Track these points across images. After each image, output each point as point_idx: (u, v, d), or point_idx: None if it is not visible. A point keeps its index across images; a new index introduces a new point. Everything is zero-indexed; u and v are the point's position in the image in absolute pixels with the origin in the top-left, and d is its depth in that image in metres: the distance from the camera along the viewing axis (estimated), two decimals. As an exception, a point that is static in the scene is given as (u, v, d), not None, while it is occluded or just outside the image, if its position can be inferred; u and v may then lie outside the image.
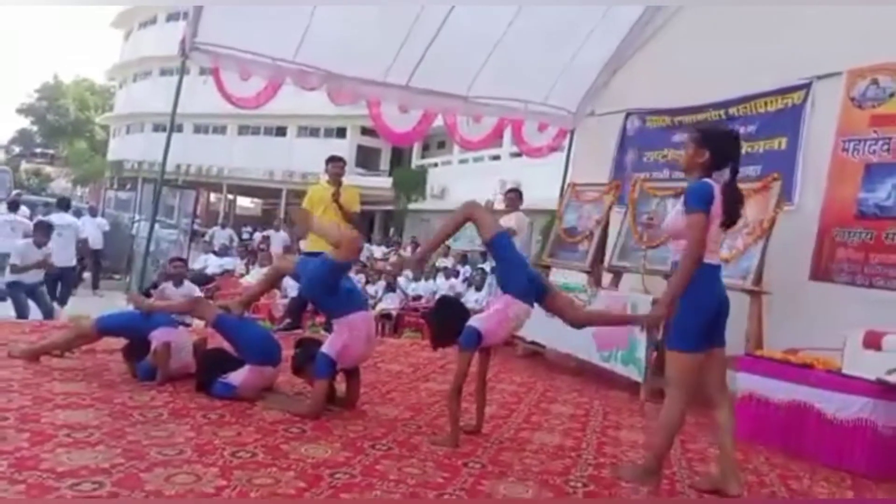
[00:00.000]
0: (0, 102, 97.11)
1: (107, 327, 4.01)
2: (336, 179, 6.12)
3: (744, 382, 3.96)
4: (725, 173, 2.84)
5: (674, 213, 2.93)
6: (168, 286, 6.05)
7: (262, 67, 6.32)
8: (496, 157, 19.46)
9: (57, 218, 8.69)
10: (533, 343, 5.97)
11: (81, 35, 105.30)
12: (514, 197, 6.75)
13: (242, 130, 30.44)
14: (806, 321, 4.55)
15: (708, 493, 2.92)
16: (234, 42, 6.13)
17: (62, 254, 7.86)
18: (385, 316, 8.30)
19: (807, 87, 5.34)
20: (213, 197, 33.36)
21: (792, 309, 4.66)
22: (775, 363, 3.91)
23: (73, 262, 9.01)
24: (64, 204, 9.85)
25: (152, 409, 3.23)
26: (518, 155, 13.20)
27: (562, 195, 7.09)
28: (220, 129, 30.66)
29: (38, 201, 14.77)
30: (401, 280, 9.56)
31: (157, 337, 3.77)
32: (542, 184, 9.40)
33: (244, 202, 37.09)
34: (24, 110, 46.43)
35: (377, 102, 6.94)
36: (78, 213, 11.68)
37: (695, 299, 2.76)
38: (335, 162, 6.21)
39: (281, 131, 29.56)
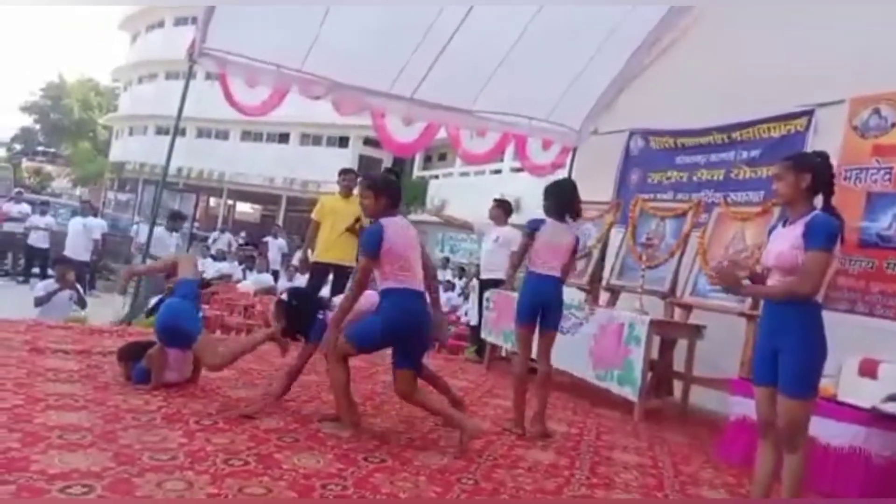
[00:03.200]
0: (4, 99, 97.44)
1: None
2: (347, 192, 6.19)
3: (737, 406, 3.95)
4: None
5: (787, 244, 2.70)
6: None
7: (268, 75, 6.34)
8: (497, 172, 19.50)
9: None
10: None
11: (88, 36, 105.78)
12: (499, 210, 6.68)
13: (245, 136, 30.53)
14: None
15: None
16: (241, 49, 6.15)
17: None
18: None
19: (809, 114, 5.38)
20: (212, 201, 33.39)
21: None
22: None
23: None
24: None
25: (146, 414, 3.21)
26: (519, 170, 13.22)
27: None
28: (223, 135, 30.74)
29: (36, 200, 14.75)
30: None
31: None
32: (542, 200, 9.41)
33: (244, 207, 37.11)
34: (28, 108, 46.49)
35: (381, 113, 6.96)
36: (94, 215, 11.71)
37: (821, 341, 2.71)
38: (347, 174, 6.28)
39: (284, 138, 29.64)
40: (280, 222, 23.35)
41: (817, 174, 2.73)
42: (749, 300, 4.59)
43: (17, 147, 46.97)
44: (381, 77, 6.58)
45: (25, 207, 12.71)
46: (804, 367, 2.66)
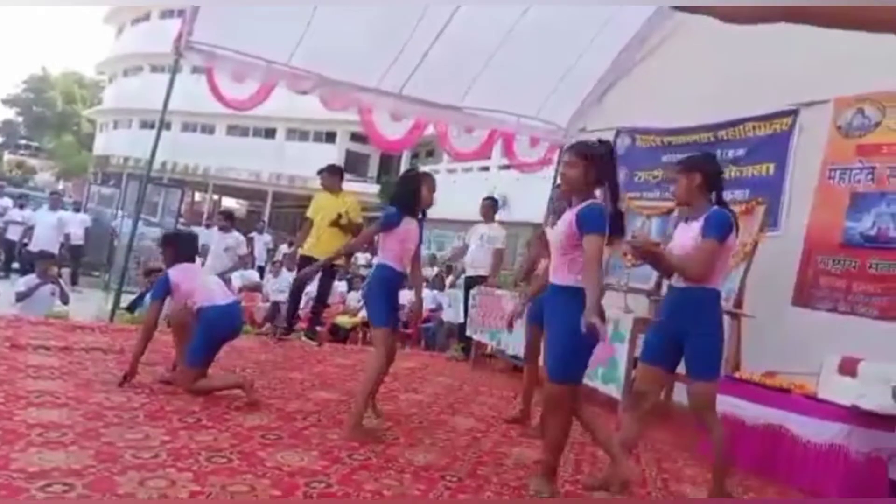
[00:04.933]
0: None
1: None
2: (332, 189, 6.19)
3: (720, 404, 3.98)
4: None
5: (689, 240, 2.97)
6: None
7: (255, 69, 6.28)
8: (485, 169, 19.52)
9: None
10: (513, 357, 5.97)
11: (73, 29, 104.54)
12: (488, 206, 6.72)
13: (231, 130, 30.32)
14: (785, 346, 4.59)
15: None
16: (228, 42, 6.09)
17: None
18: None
19: (794, 113, 5.42)
20: (198, 196, 33.12)
21: (772, 333, 4.70)
22: (752, 386, 3.94)
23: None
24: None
25: (128, 411, 3.18)
26: (507, 167, 13.25)
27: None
28: (209, 129, 30.51)
29: (20, 194, 14.59)
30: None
31: None
32: (530, 197, 9.43)
33: (229, 203, 36.87)
34: (10, 101, 45.94)
35: (369, 109, 6.93)
36: (63, 208, 11.59)
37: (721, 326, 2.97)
38: (330, 172, 6.31)
39: (270, 133, 29.48)
40: (266, 218, 23.24)
41: (705, 173, 3.01)
42: (732, 297, 4.63)
43: (0, 140, 46.35)
44: (370, 72, 6.55)
45: (7, 201, 12.54)
46: (711, 350, 2.93)
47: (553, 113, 7.46)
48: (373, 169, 28.91)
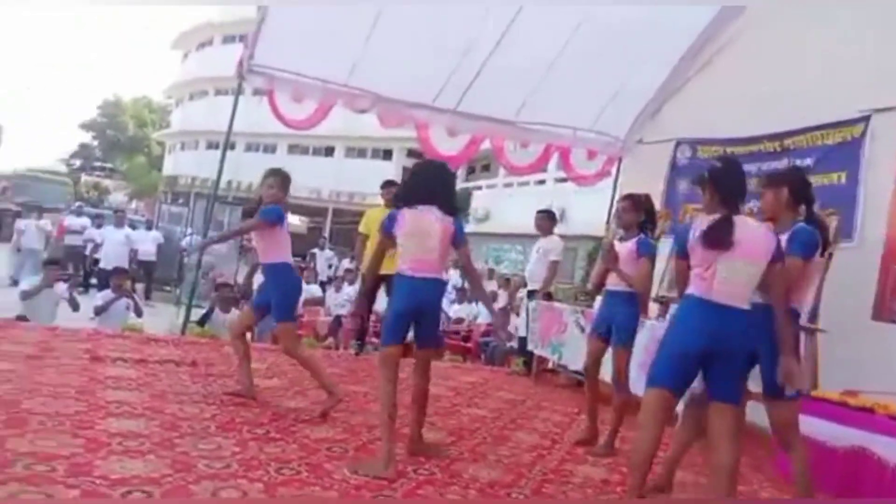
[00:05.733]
0: (65, 118, 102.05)
1: None
2: (390, 204, 6.17)
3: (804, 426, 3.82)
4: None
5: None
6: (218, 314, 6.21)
7: (313, 90, 6.47)
8: (542, 182, 19.39)
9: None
10: (575, 373, 5.88)
11: (143, 56, 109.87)
12: (543, 220, 6.64)
13: (292, 149, 31.12)
14: (865, 363, 4.37)
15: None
16: (288, 65, 6.29)
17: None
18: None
19: (865, 120, 5.20)
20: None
21: (850, 349, 4.48)
22: (833, 405, 3.75)
23: None
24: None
25: (200, 422, 3.29)
26: (564, 180, 13.13)
27: (609, 223, 7.02)
28: (271, 148, 31.40)
29: (97, 214, 15.32)
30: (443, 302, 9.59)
31: None
32: (588, 210, 9.33)
33: (291, 220, 37.65)
34: (86, 126, 48.50)
35: (425, 125, 7.02)
36: (133, 226, 12.14)
37: None
38: (389, 187, 6.27)
39: (329, 151, 30.11)
40: (327, 234, 23.69)
41: (792, 187, 2.94)
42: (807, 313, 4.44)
43: (77, 163, 48.91)
44: (425, 89, 6.64)
45: (85, 220, 13.22)
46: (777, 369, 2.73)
47: (610, 125, 7.37)
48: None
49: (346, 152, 29.73)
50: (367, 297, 5.66)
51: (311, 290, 10.21)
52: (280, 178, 4.03)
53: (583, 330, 5.18)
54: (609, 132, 7.44)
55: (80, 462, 2.52)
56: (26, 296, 6.42)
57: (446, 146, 7.15)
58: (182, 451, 2.81)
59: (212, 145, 31.91)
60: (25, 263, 12.81)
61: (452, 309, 9.81)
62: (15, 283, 12.15)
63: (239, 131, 7.21)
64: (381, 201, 6.57)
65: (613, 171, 7.78)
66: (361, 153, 29.42)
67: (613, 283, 3.91)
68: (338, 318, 8.59)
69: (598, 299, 4.87)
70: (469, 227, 16.45)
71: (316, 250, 13.90)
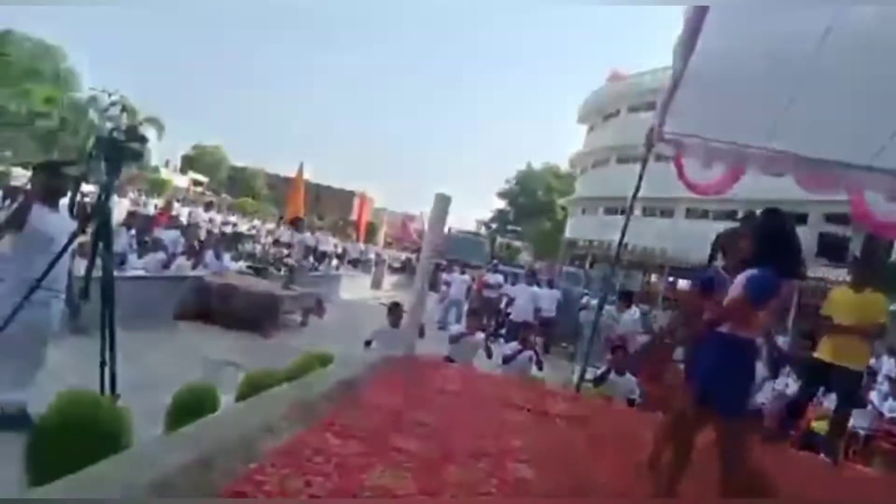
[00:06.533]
0: (485, 188, 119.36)
1: None
2: (859, 284, 5.38)
3: None
4: None
5: None
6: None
7: (726, 154, 6.23)
8: None
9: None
10: None
11: (552, 128, 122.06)
12: None
13: (689, 213, 30.41)
14: None
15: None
16: (698, 130, 6.19)
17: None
18: (852, 436, 7.04)
19: None
20: (653, 277, 33.90)
21: None
22: None
23: None
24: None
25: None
26: None
27: None
28: (668, 213, 31.21)
29: (508, 271, 17.26)
30: (873, 395, 8.03)
31: None
32: None
33: (684, 285, 36.65)
34: (503, 194, 55.80)
35: (859, 189, 6.10)
36: (538, 284, 13.33)
37: None
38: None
39: (731, 215, 28.46)
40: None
41: None
42: None
43: (493, 226, 56.23)
44: (861, 148, 5.79)
45: (499, 277, 15.05)
46: None
47: None
48: (852, 254, 25.12)
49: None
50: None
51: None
52: None
53: None
54: None
55: (494, 502, 2.78)
56: (508, 359, 7.56)
57: (887, 212, 6.09)
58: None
59: (610, 211, 33.22)
60: (451, 311, 15.13)
61: (886, 405, 8.14)
62: (441, 327, 14.39)
63: (638, 196, 7.34)
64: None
65: None
66: (768, 218, 27.05)
67: None
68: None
69: None
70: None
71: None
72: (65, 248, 4.16)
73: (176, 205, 23.25)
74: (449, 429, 3.78)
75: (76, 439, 2.83)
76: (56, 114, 42.19)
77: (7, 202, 18.60)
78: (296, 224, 14.38)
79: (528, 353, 7.68)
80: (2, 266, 4.33)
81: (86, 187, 6.93)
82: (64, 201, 4.69)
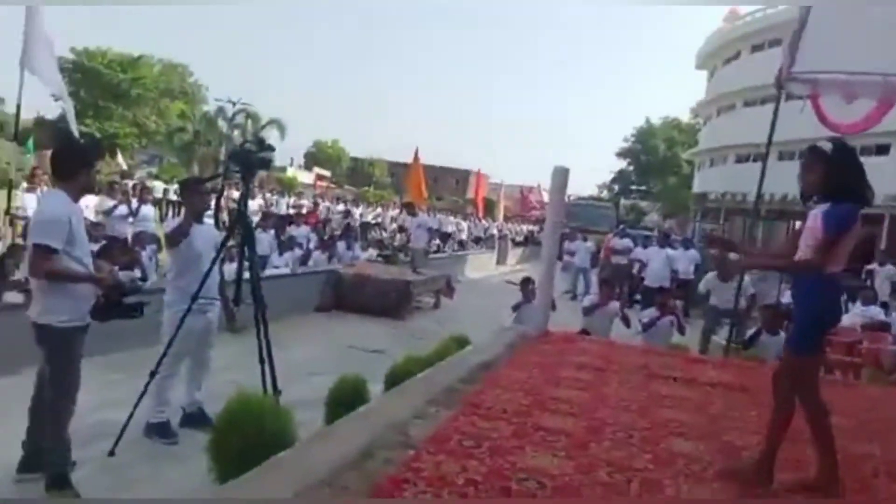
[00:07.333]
0: (602, 147, 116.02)
1: None
2: None
3: None
4: None
5: None
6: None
7: (872, 87, 5.64)
8: None
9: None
10: None
11: (668, 79, 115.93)
12: None
13: (832, 152, 27.87)
14: None
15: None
16: (836, 65, 5.66)
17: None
18: None
19: None
20: (797, 225, 31.49)
21: None
22: None
23: None
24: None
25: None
26: None
27: None
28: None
29: (637, 235, 16.65)
30: None
31: None
32: None
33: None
34: (622, 153, 53.71)
35: None
36: (672, 246, 12.79)
37: None
38: None
39: (882, 150, 25.74)
40: (883, 246, 20.28)
41: None
42: None
43: (616, 188, 54.42)
44: None
45: (628, 242, 14.56)
46: None
47: None
48: None
49: (905, 148, 24.91)
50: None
51: (870, 311, 8.86)
52: None
53: None
54: None
55: (651, 478, 2.72)
56: (587, 312, 7.37)
57: None
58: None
59: (741, 158, 31.14)
60: (578, 279, 14.90)
61: None
62: (573, 297, 14.20)
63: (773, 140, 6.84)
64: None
65: None
66: (927, 147, 24.22)
67: None
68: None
69: None
70: None
71: (875, 266, 11.99)
72: (215, 260, 4.50)
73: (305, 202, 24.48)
74: (595, 404, 3.73)
75: (246, 439, 3.07)
76: (190, 127, 45.68)
77: (169, 214, 20.50)
78: (409, 208, 14.70)
79: (669, 318, 7.40)
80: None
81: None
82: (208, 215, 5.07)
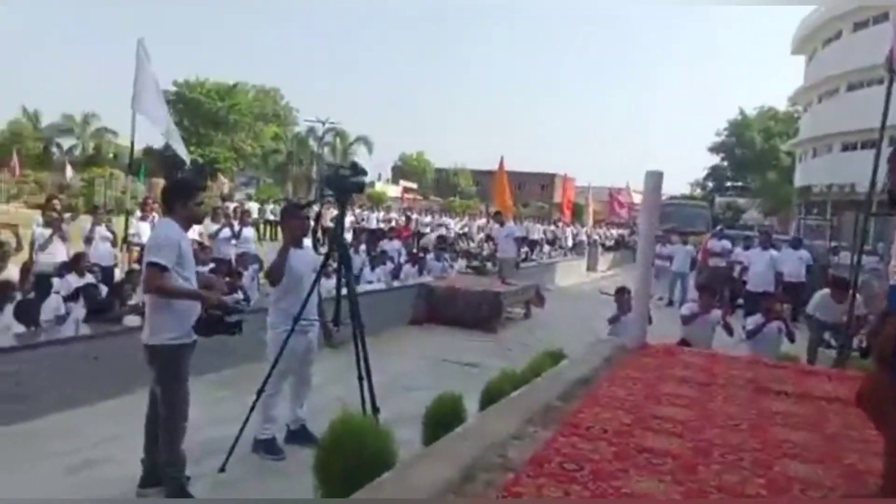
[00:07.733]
0: (693, 145, 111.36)
1: None
2: None
3: None
4: None
5: None
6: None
7: None
8: None
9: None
10: None
11: (761, 69, 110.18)
12: None
13: (955, 135, 25.65)
14: None
15: None
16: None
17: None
18: None
19: None
20: (915, 216, 29.16)
21: None
22: None
23: None
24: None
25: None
26: None
27: None
28: (925, 138, 26.63)
29: (736, 235, 15.89)
30: None
31: None
32: None
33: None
34: (715, 148, 51.44)
35: None
36: (776, 246, 12.06)
37: None
38: None
39: None
40: None
41: None
42: None
43: (709, 185, 52.23)
44: None
45: (726, 243, 13.90)
46: None
47: None
48: None
49: None
50: None
51: None
52: None
53: None
54: None
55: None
56: (687, 321, 7.09)
57: None
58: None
59: (848, 147, 29.25)
60: (675, 284, 14.34)
61: None
62: (670, 303, 13.73)
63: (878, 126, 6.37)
64: None
65: None
66: None
67: None
68: None
69: None
70: None
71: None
72: (315, 283, 4.69)
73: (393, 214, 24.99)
74: (701, 423, 3.58)
75: (348, 459, 3.17)
76: (283, 148, 47.74)
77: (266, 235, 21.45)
78: (497, 218, 14.67)
79: (777, 324, 7.01)
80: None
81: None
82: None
